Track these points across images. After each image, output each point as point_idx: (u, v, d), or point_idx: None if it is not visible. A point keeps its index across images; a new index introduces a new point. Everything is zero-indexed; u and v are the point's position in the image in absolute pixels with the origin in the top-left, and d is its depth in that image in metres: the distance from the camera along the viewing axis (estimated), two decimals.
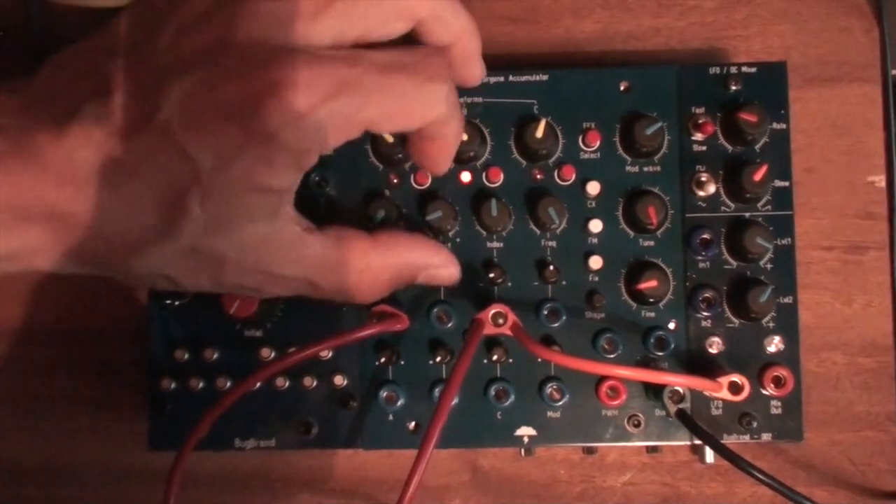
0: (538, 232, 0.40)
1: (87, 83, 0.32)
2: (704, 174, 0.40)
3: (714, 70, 0.40)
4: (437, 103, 0.33)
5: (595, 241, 0.40)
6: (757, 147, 0.39)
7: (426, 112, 0.33)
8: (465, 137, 0.39)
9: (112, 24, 0.33)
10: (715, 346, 0.39)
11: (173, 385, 0.40)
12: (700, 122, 0.39)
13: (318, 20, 0.31)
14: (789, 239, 0.39)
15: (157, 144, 0.30)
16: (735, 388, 0.37)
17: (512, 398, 0.39)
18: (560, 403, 0.39)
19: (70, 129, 0.30)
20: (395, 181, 0.40)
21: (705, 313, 0.39)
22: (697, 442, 0.40)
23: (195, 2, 0.32)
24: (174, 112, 0.30)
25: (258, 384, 0.39)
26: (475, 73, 0.36)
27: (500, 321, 0.37)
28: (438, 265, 0.38)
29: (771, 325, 0.39)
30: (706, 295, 0.39)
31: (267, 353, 0.40)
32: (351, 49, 0.32)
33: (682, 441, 0.40)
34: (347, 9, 0.32)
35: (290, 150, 0.31)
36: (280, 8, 0.31)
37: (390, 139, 0.39)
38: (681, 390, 0.39)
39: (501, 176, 0.40)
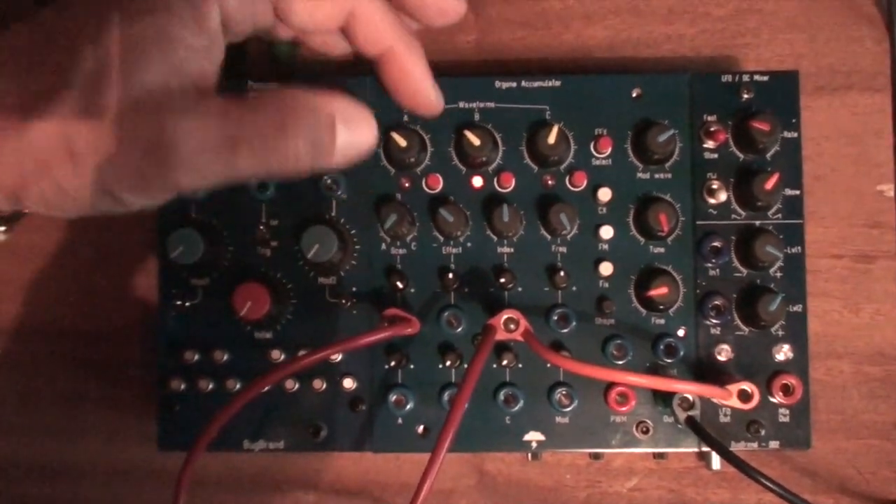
0: (549, 237, 0.40)
1: None
2: (716, 182, 0.40)
3: (726, 78, 0.40)
4: None
5: (606, 247, 0.40)
6: (768, 155, 0.40)
7: None
8: (476, 143, 0.39)
9: None
10: (724, 353, 0.40)
11: (183, 386, 0.40)
12: (712, 129, 0.39)
13: None
14: (799, 248, 0.40)
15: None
16: (745, 396, 0.37)
17: (521, 403, 0.40)
18: (569, 409, 0.39)
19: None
20: (407, 185, 0.40)
21: (715, 321, 0.39)
22: (704, 448, 0.40)
23: None
24: None
25: (268, 386, 0.39)
26: (420, 91, 0.35)
27: (512, 327, 0.37)
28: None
29: (780, 333, 0.39)
30: (716, 302, 0.39)
31: (277, 355, 0.40)
32: None
33: (689, 448, 0.40)
34: None
35: None
36: None
37: (403, 143, 0.39)
38: (690, 397, 0.39)
39: (513, 181, 0.40)
